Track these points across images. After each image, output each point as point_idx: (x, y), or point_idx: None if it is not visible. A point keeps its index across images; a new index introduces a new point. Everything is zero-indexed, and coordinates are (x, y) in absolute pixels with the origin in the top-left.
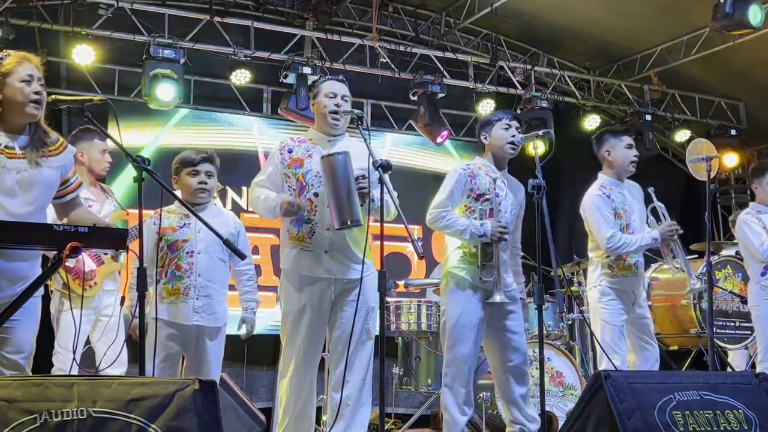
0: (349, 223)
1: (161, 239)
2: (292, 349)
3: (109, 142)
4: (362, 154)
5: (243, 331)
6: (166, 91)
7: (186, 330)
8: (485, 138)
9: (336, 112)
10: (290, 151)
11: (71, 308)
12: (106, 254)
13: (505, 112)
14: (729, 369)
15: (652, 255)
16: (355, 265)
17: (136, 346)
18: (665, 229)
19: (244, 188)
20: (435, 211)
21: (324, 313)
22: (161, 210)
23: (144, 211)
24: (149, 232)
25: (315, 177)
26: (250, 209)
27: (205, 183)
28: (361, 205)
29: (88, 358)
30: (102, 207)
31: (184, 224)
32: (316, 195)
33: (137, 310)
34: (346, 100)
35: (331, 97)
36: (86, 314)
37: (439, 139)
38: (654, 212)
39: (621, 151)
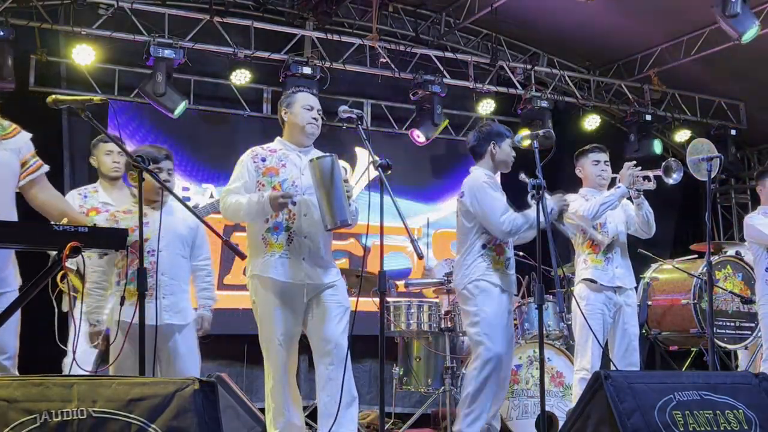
0: (338, 223)
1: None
2: (271, 353)
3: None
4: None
5: (199, 328)
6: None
7: (152, 331)
8: (494, 147)
9: (313, 124)
10: (263, 160)
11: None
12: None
13: (509, 130)
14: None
15: (652, 255)
16: (329, 269)
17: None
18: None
19: None
20: (506, 218)
21: (298, 315)
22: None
23: None
24: None
25: (292, 186)
26: None
27: (168, 181)
28: None
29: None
30: None
31: (142, 223)
32: (293, 203)
33: (137, 312)
34: (320, 114)
35: (308, 110)
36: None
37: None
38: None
39: (589, 168)
